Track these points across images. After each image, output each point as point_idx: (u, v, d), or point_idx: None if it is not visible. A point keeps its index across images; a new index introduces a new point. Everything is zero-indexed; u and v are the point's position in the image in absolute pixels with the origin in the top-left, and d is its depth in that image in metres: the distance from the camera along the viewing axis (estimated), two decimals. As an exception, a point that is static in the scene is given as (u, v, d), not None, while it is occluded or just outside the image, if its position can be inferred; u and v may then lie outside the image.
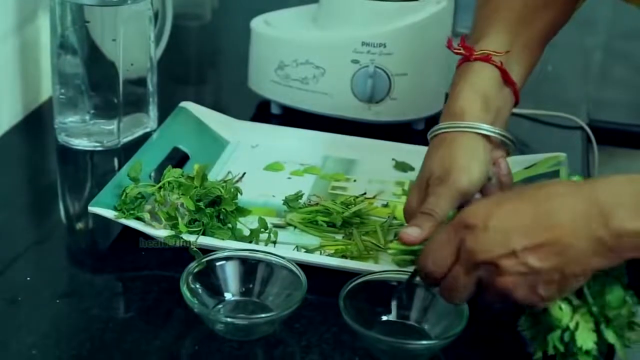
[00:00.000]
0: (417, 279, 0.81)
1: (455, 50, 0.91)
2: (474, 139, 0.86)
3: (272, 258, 0.86)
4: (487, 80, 0.88)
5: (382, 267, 0.89)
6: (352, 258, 0.92)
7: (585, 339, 0.75)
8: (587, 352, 0.76)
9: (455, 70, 0.91)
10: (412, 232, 0.82)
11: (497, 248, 0.73)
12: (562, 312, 0.76)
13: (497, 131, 0.88)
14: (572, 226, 0.72)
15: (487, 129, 0.87)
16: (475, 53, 0.89)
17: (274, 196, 1.03)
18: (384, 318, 0.84)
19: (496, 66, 0.89)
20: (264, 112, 1.25)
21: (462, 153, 0.85)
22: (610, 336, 0.76)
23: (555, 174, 1.01)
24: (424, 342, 0.81)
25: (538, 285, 0.73)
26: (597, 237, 0.71)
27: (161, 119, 1.16)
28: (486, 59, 0.89)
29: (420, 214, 0.84)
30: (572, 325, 0.76)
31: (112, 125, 1.13)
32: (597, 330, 0.76)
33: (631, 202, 0.71)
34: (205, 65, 1.50)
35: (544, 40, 0.94)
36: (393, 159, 1.11)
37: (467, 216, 0.76)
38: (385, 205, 1.02)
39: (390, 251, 0.86)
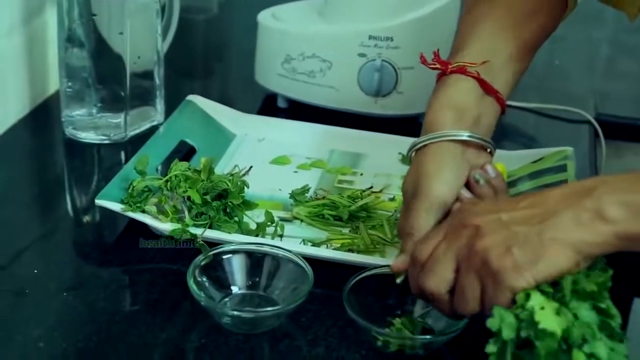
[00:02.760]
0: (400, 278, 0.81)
1: (431, 66, 0.90)
2: (442, 147, 0.85)
3: (279, 251, 0.86)
4: (462, 91, 0.88)
5: (389, 261, 0.89)
6: (359, 252, 0.92)
7: (548, 320, 0.68)
8: (546, 333, 0.67)
9: (435, 84, 0.91)
10: (399, 260, 0.81)
11: (484, 215, 0.74)
12: (530, 295, 0.70)
13: (466, 133, 0.86)
14: (558, 199, 0.73)
15: (452, 134, 0.85)
16: (451, 66, 0.89)
17: (280, 190, 1.03)
18: (390, 312, 0.84)
19: (473, 77, 0.88)
20: (270, 105, 1.25)
21: (430, 163, 0.85)
22: (601, 350, 0.69)
23: (562, 168, 1.01)
24: (428, 336, 0.81)
25: (514, 246, 0.71)
26: (580, 205, 0.71)
27: (168, 112, 1.16)
28: (461, 70, 0.88)
29: (402, 237, 0.83)
30: (537, 307, 0.68)
31: (119, 119, 1.13)
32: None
33: (617, 180, 0.72)
34: (212, 58, 1.50)
35: (532, 47, 0.93)
36: (399, 153, 1.11)
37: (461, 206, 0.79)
38: (392, 199, 1.02)
39: (398, 280, 0.82)
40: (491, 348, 0.70)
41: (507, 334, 0.69)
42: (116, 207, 0.93)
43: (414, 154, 0.87)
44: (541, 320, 0.68)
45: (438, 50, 0.91)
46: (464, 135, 0.86)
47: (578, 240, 0.71)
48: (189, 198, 0.93)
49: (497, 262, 0.71)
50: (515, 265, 0.71)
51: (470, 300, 0.74)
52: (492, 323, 0.70)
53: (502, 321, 0.70)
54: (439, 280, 0.75)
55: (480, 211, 0.75)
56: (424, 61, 0.91)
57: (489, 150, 0.88)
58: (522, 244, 0.71)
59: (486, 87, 0.88)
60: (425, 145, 0.86)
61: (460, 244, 0.74)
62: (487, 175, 0.86)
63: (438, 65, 0.90)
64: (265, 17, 1.24)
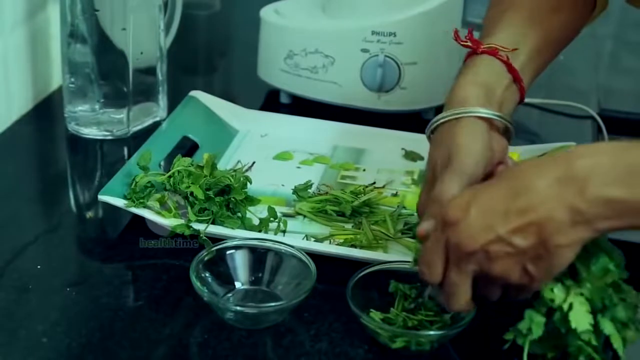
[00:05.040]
0: (427, 292, 0.82)
1: (463, 43, 0.90)
2: (473, 122, 0.85)
3: (282, 247, 0.86)
4: (492, 72, 0.88)
5: (392, 256, 0.90)
6: (362, 247, 0.92)
7: (580, 320, 0.72)
8: (583, 336, 0.72)
9: (463, 63, 0.91)
10: (425, 225, 0.80)
11: (481, 235, 0.73)
12: (554, 293, 0.74)
13: (496, 114, 0.86)
14: (547, 195, 0.71)
15: (485, 112, 0.85)
16: (483, 46, 0.89)
17: (283, 185, 1.03)
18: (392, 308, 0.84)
19: (502, 61, 0.88)
20: (273, 101, 1.25)
21: (463, 135, 0.84)
22: (606, 326, 0.73)
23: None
24: (432, 332, 0.81)
25: (527, 264, 0.73)
26: (574, 207, 0.71)
27: (171, 108, 1.16)
28: (493, 52, 0.88)
29: (430, 204, 0.83)
30: (565, 306, 0.73)
31: (122, 114, 1.13)
32: (594, 322, 0.73)
33: (608, 169, 0.71)
34: (214, 54, 1.50)
35: (554, 42, 0.93)
36: (402, 149, 1.11)
37: (447, 212, 0.75)
38: (395, 195, 1.02)
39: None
40: (510, 335, 0.75)
41: (537, 332, 0.74)
42: (119, 202, 0.93)
43: (437, 128, 0.87)
44: (577, 326, 0.73)
45: (472, 28, 0.91)
46: (491, 114, 0.85)
47: (579, 238, 0.72)
48: (191, 194, 0.93)
49: (519, 281, 0.75)
50: (535, 279, 0.74)
51: (495, 296, 0.78)
52: (523, 325, 0.75)
53: (532, 321, 0.74)
54: (464, 302, 0.77)
55: (474, 232, 0.74)
56: (456, 37, 0.91)
57: (507, 134, 0.88)
58: (533, 260, 0.73)
59: (514, 74, 0.88)
60: (455, 119, 0.85)
61: (472, 269, 0.75)
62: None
63: (470, 43, 0.90)
64: (267, 12, 1.24)
